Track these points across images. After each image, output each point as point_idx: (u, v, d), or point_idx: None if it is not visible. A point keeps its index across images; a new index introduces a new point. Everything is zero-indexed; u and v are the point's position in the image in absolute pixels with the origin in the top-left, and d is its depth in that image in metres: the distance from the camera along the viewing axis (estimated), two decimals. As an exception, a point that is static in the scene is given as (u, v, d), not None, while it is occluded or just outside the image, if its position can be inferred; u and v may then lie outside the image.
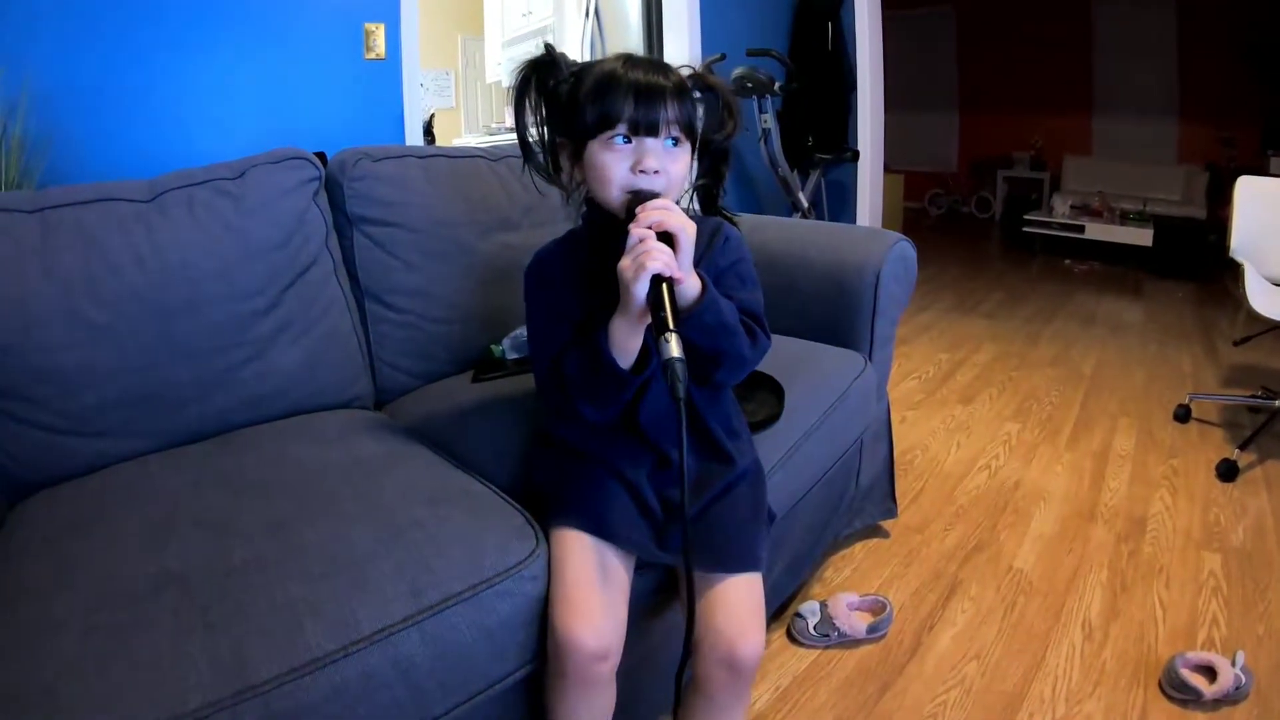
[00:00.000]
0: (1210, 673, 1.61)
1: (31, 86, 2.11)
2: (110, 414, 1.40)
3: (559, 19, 5.48)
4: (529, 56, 1.21)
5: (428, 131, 4.45)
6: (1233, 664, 1.61)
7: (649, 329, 1.05)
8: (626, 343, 1.09)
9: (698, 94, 1.20)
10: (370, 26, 2.78)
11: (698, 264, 1.14)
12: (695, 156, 1.24)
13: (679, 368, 0.97)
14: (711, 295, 1.11)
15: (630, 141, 1.12)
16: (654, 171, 1.11)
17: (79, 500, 1.26)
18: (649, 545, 1.17)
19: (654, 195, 1.10)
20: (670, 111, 1.12)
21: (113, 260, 1.40)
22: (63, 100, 2.23)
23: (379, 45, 2.81)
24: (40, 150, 2.12)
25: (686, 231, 1.05)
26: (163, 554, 1.05)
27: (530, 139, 1.22)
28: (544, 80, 1.19)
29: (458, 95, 7.61)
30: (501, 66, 6.81)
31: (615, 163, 1.12)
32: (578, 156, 1.18)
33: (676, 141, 1.15)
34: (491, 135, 6.20)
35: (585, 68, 1.18)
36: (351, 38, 2.79)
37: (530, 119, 1.20)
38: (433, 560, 1.05)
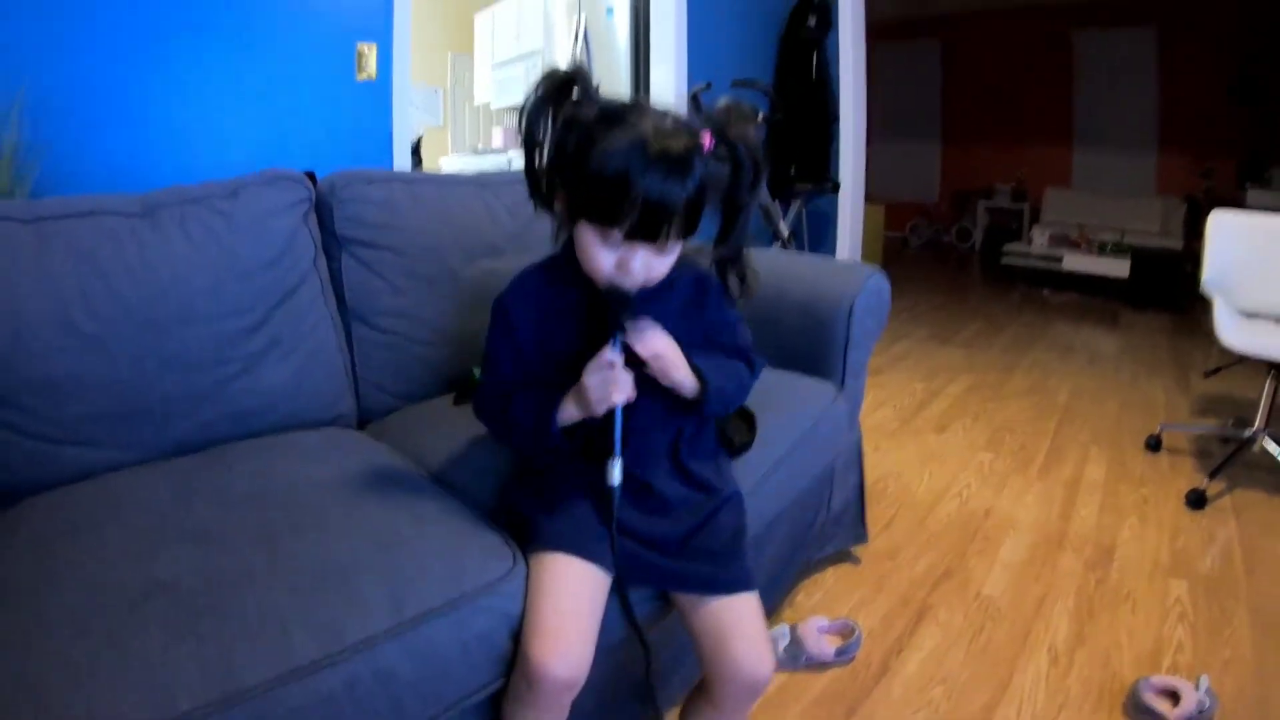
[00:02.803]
0: (1174, 697, 1.65)
1: (26, 95, 2.12)
2: (98, 425, 1.41)
3: (548, 43, 5.53)
4: (547, 76, 1.12)
5: (415, 153, 4.47)
6: (1196, 688, 1.65)
7: None
8: (570, 421, 1.18)
9: (722, 149, 1.13)
10: (363, 47, 2.82)
11: (684, 319, 1.22)
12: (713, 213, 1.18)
13: (616, 493, 1.15)
14: (711, 390, 1.20)
15: (619, 241, 1.09)
16: (636, 273, 1.10)
17: (66, 509, 1.27)
18: (631, 570, 1.20)
19: (625, 292, 1.10)
20: (673, 228, 1.08)
21: (106, 273, 1.42)
22: (57, 110, 2.24)
23: (370, 66, 2.84)
24: (33, 159, 2.14)
25: (669, 358, 1.16)
26: (152, 563, 1.07)
27: (535, 166, 1.15)
28: (561, 109, 1.11)
29: (446, 113, 7.65)
30: (491, 89, 6.85)
31: (601, 254, 1.10)
32: (570, 214, 1.15)
33: (672, 243, 1.12)
34: (478, 156, 6.23)
35: (603, 125, 1.08)
36: (344, 58, 2.82)
37: (538, 149, 1.14)
38: (414, 574, 1.08)
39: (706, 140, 1.11)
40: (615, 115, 1.09)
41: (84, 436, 1.41)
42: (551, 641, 1.06)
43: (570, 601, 1.12)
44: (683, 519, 1.24)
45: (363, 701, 0.96)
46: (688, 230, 1.12)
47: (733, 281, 1.28)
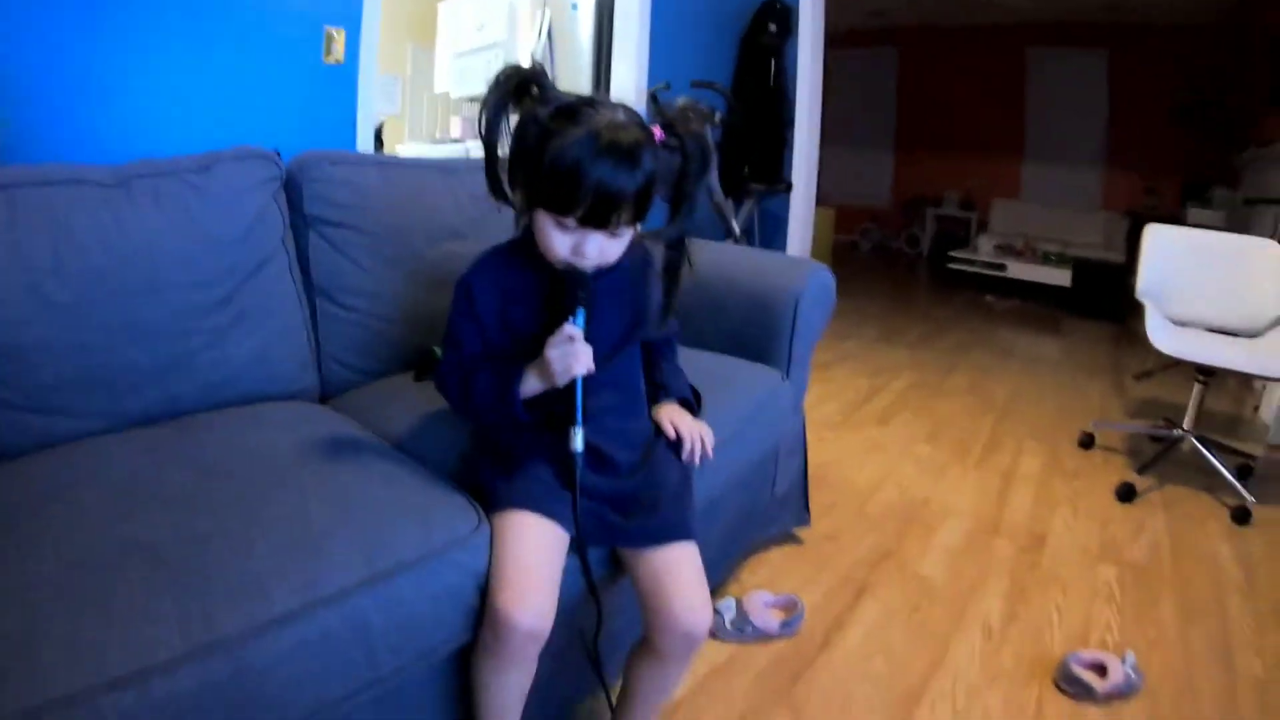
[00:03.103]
0: (1102, 670, 1.74)
1: None
2: (66, 392, 1.41)
3: (511, 35, 5.57)
4: (506, 73, 1.19)
5: (378, 138, 4.49)
6: (1123, 662, 1.75)
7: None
8: (533, 392, 1.25)
9: (673, 141, 1.22)
10: (331, 31, 2.83)
11: (628, 294, 1.34)
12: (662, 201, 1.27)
13: (579, 459, 1.23)
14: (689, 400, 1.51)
15: (573, 227, 1.17)
16: (590, 257, 1.18)
17: (35, 475, 1.27)
18: (588, 526, 1.27)
19: (583, 276, 1.19)
20: (624, 214, 1.16)
21: (78, 240, 1.42)
22: (18, 83, 2.24)
23: (338, 50, 2.85)
24: None
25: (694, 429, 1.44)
26: (128, 524, 1.08)
27: (494, 159, 1.23)
28: (521, 100, 1.19)
29: (404, 102, 7.65)
30: (450, 78, 6.87)
31: (558, 239, 1.18)
32: (528, 202, 1.22)
33: (623, 228, 1.20)
34: (435, 145, 6.24)
35: (558, 120, 1.16)
36: (312, 41, 2.83)
37: (497, 142, 1.21)
38: (385, 532, 1.13)
39: (657, 133, 1.20)
40: (570, 111, 1.16)
41: (50, 404, 1.40)
42: (517, 592, 1.12)
43: (533, 555, 1.18)
44: (631, 477, 1.32)
45: (337, 651, 1.01)
46: (637, 216, 1.20)
47: (672, 261, 1.34)
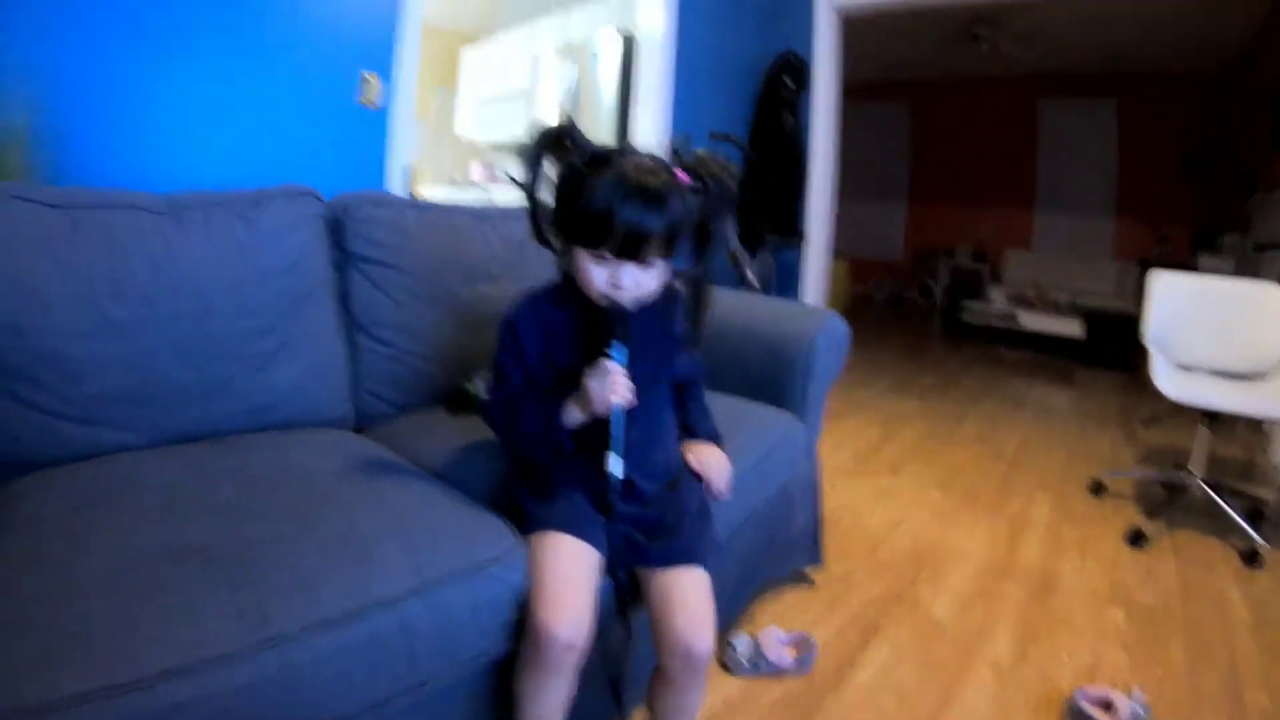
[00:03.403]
0: (1109, 706, 1.77)
1: (41, 87, 2.22)
2: (111, 405, 1.48)
3: (535, 84, 5.68)
4: (544, 130, 1.34)
5: (408, 180, 4.60)
6: (1130, 698, 1.78)
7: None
8: (575, 423, 1.33)
9: (697, 184, 1.36)
10: (367, 75, 2.94)
11: (663, 329, 1.44)
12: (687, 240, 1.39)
13: (616, 482, 1.32)
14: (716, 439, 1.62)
15: (609, 259, 1.28)
16: (627, 288, 1.30)
17: (81, 483, 1.32)
18: (617, 549, 1.36)
19: (622, 313, 1.30)
20: (652, 247, 1.27)
21: (133, 262, 1.51)
22: (72, 104, 2.32)
23: (374, 94, 2.96)
24: (43, 148, 2.23)
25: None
26: (179, 530, 1.14)
27: (535, 206, 1.36)
28: (558, 153, 1.33)
29: (427, 145, 7.77)
30: (473, 123, 6.98)
31: (596, 273, 1.29)
32: (567, 242, 1.34)
33: (655, 261, 1.31)
34: (456, 188, 6.33)
35: (591, 167, 1.29)
36: (348, 84, 2.94)
37: (536, 191, 1.35)
38: (430, 544, 1.20)
39: (682, 177, 1.34)
40: (602, 158, 1.31)
41: (95, 416, 1.47)
42: (556, 605, 1.20)
43: (570, 571, 1.25)
44: (655, 505, 1.40)
45: (384, 653, 1.07)
46: (668, 251, 1.32)
47: (697, 296, 1.46)
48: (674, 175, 1.32)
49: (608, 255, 1.28)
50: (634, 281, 1.30)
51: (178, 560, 1.05)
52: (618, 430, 1.30)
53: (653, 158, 1.33)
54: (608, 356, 1.28)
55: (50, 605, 0.95)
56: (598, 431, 1.31)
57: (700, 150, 1.43)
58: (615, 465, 1.31)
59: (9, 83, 2.17)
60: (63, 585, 0.99)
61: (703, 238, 1.40)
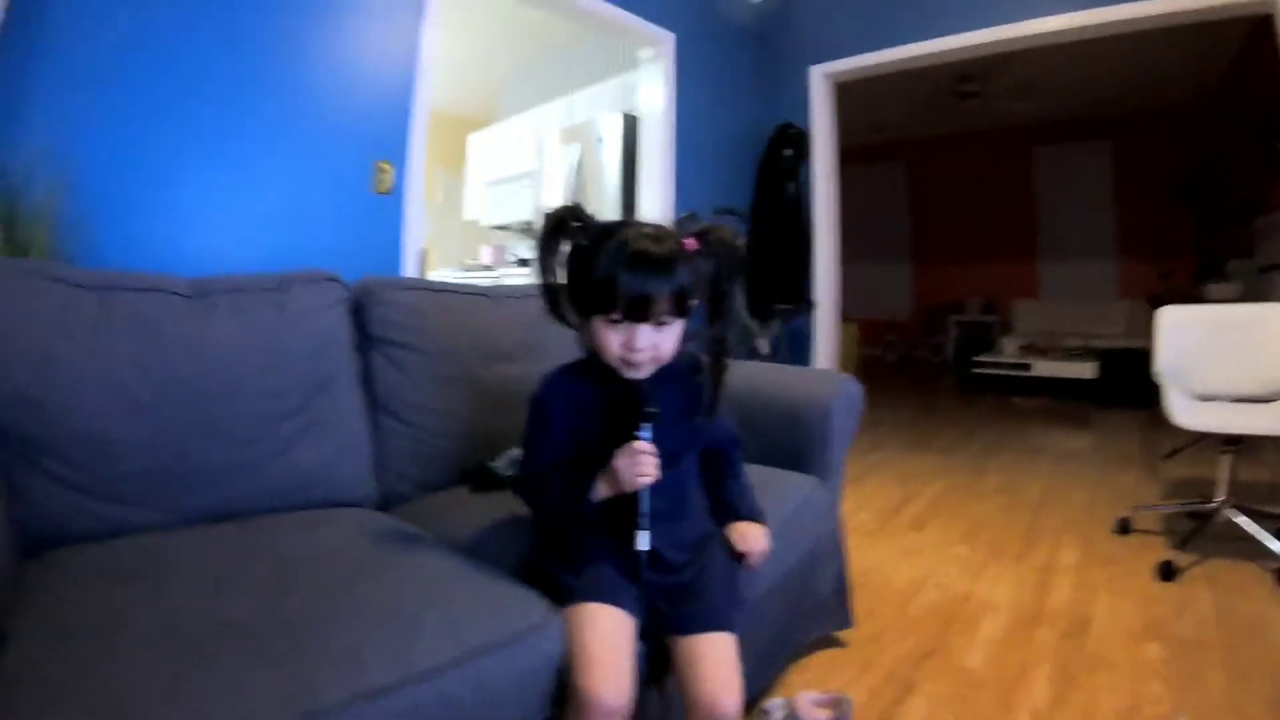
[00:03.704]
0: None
1: (72, 170, 2.32)
2: (139, 484, 1.51)
3: (541, 165, 5.80)
4: (552, 214, 1.39)
5: (422, 262, 4.73)
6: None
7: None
8: (603, 497, 1.37)
9: (704, 250, 1.40)
10: (381, 164, 3.04)
11: (688, 399, 1.46)
12: (702, 304, 1.43)
13: (645, 557, 1.35)
14: (758, 519, 1.63)
15: (622, 323, 1.33)
16: (642, 350, 1.34)
17: (114, 558, 1.34)
18: (646, 616, 1.38)
19: (648, 394, 1.36)
20: (660, 304, 1.32)
21: (163, 345, 1.56)
22: (97, 186, 2.42)
23: (387, 181, 3.05)
24: (72, 230, 2.31)
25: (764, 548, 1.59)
26: (218, 606, 1.15)
27: (550, 287, 1.41)
28: (563, 238, 1.39)
29: (435, 228, 7.89)
30: (481, 205, 7.10)
31: (611, 338, 1.35)
32: (583, 316, 1.39)
33: (668, 321, 1.36)
34: (467, 271, 6.42)
35: (600, 238, 1.35)
36: (363, 172, 3.05)
37: (549, 273, 1.40)
38: (469, 615, 1.22)
39: (690, 243, 1.39)
40: (608, 231, 1.36)
41: (125, 495, 1.50)
42: (601, 672, 1.22)
43: (611, 639, 1.27)
44: (681, 573, 1.42)
45: None
46: (681, 312, 1.37)
47: (715, 359, 1.48)
48: (679, 241, 1.37)
49: (620, 319, 1.32)
50: (649, 343, 1.34)
51: (218, 634, 1.06)
52: (645, 507, 1.34)
53: (657, 226, 1.39)
54: (635, 437, 1.33)
55: (90, 678, 0.95)
56: (625, 503, 1.35)
57: (705, 224, 1.48)
58: (643, 542, 1.34)
59: (38, 164, 2.25)
60: (102, 657, 1.00)
61: (716, 301, 1.44)
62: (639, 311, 1.32)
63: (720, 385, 1.48)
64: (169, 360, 1.56)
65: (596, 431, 1.41)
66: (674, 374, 1.43)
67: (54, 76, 2.36)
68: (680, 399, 1.45)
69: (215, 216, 2.73)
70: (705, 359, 1.48)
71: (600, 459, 1.36)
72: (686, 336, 1.43)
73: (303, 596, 1.20)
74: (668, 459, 1.36)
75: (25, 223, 2.19)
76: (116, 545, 1.41)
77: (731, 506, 1.62)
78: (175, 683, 0.95)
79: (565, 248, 1.39)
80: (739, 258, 1.44)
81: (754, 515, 1.63)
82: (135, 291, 1.59)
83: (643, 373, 1.38)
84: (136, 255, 2.49)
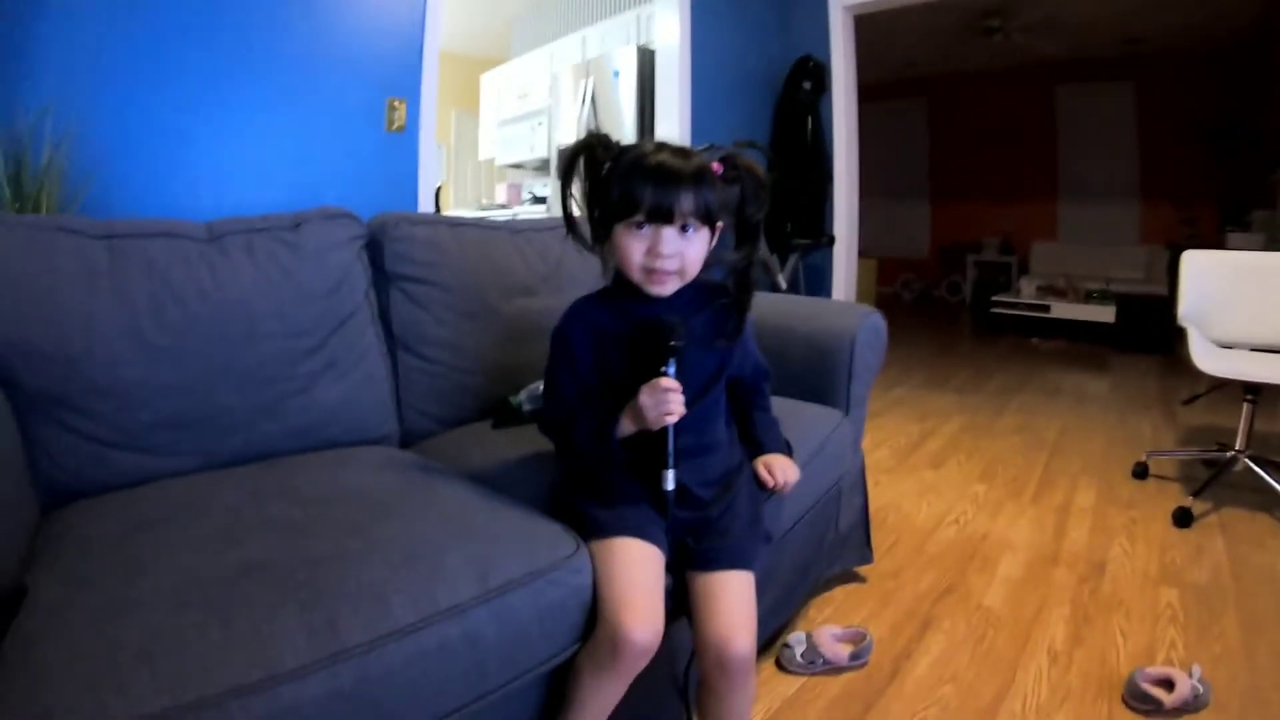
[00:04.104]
0: (1169, 685, 1.76)
1: (75, 125, 2.28)
2: (161, 432, 1.50)
3: (555, 102, 5.73)
4: (577, 140, 1.38)
5: (436, 202, 4.70)
6: (1190, 675, 1.78)
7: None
8: (628, 433, 1.34)
9: (733, 172, 1.37)
10: (394, 101, 3.00)
11: (715, 330, 1.43)
12: (728, 231, 1.41)
13: (671, 495, 1.31)
14: (785, 453, 1.61)
15: (646, 227, 1.31)
16: (667, 256, 1.31)
17: (135, 507, 1.33)
18: (672, 551, 1.36)
19: (675, 328, 1.30)
20: (685, 204, 1.28)
21: (177, 290, 1.53)
22: (105, 139, 2.40)
23: (400, 119, 3.02)
24: (80, 183, 2.29)
25: (793, 479, 1.56)
26: (241, 549, 1.13)
27: (571, 213, 1.40)
28: (590, 161, 1.37)
29: (449, 170, 7.84)
30: (496, 145, 7.04)
31: (634, 246, 1.31)
32: (608, 234, 1.36)
33: (691, 227, 1.32)
34: (484, 211, 6.39)
35: (622, 152, 1.35)
36: (376, 109, 3.01)
37: (572, 197, 1.38)
38: (493, 552, 1.20)
39: (716, 167, 1.35)
40: (630, 148, 1.35)
41: (145, 443, 1.49)
42: (635, 610, 1.20)
43: (641, 576, 1.26)
44: (708, 509, 1.40)
45: (452, 663, 1.07)
46: (704, 215, 1.32)
47: (741, 284, 1.46)
48: (704, 160, 1.34)
49: (643, 222, 1.30)
50: (674, 249, 1.31)
51: (241, 578, 1.05)
52: (671, 445, 1.31)
53: (682, 146, 1.36)
54: (661, 373, 1.29)
55: (113, 625, 0.94)
56: (654, 438, 1.32)
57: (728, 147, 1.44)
58: (670, 481, 1.31)
59: (43, 119, 2.22)
60: (124, 605, 0.99)
61: (742, 226, 1.41)
62: (663, 213, 1.28)
63: (746, 310, 1.46)
64: (184, 305, 1.54)
65: (621, 364, 1.37)
66: (699, 301, 1.41)
67: (57, 28, 2.32)
68: (706, 327, 1.42)
69: (228, 162, 2.69)
70: (730, 284, 1.45)
71: (626, 393, 1.34)
72: (709, 264, 1.40)
73: (326, 537, 1.19)
74: (694, 392, 1.34)
75: (32, 178, 2.17)
76: (137, 494, 1.41)
77: (759, 439, 1.60)
78: (197, 629, 0.94)
79: (586, 176, 1.38)
80: (764, 185, 1.40)
81: (781, 448, 1.62)
82: (147, 238, 1.57)
83: (668, 289, 1.35)
84: (149, 206, 2.46)
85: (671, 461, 1.31)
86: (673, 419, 1.28)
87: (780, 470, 1.55)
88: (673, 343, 1.29)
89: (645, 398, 1.29)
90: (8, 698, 0.83)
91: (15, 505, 1.25)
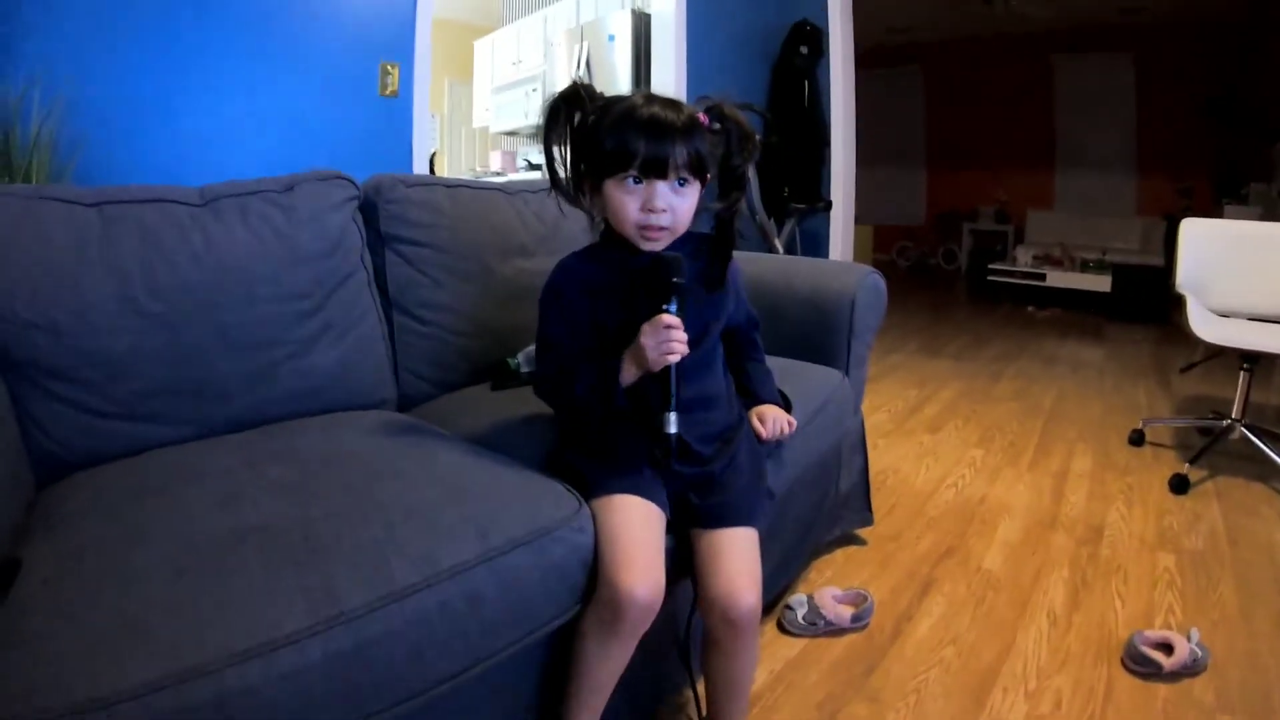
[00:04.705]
0: (1168, 648, 1.77)
1: (65, 96, 2.25)
2: (155, 400, 1.47)
3: (549, 68, 5.68)
4: (559, 92, 1.35)
5: (430, 168, 4.68)
6: (1188, 640, 1.78)
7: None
8: (630, 380, 1.30)
9: (716, 125, 1.34)
10: (387, 65, 2.96)
11: (708, 280, 1.41)
12: (713, 181, 1.38)
13: (674, 441, 1.26)
14: (779, 403, 1.60)
15: (640, 183, 1.29)
16: (662, 210, 1.28)
17: (131, 476, 1.30)
18: (674, 510, 1.35)
19: (676, 264, 1.28)
20: (678, 156, 1.26)
21: (169, 255, 1.50)
22: (95, 108, 2.36)
23: (394, 83, 2.98)
24: (70, 153, 2.26)
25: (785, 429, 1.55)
26: (238, 513, 1.11)
27: (556, 167, 1.36)
28: (572, 113, 1.34)
29: (443, 138, 7.79)
30: (490, 112, 6.98)
31: (628, 202, 1.29)
32: (597, 189, 1.34)
33: (684, 181, 1.30)
34: (476, 179, 6.35)
35: (608, 103, 1.32)
36: (369, 74, 2.97)
37: (557, 149, 1.34)
38: (496, 512, 1.19)
39: (703, 118, 1.32)
40: (619, 99, 1.32)
41: (139, 412, 1.46)
42: (635, 568, 1.18)
43: (642, 533, 1.24)
44: (709, 464, 1.38)
45: (454, 624, 1.05)
46: (695, 168, 1.30)
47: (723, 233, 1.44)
48: (693, 111, 1.32)
49: (637, 176, 1.27)
50: (668, 203, 1.29)
51: (239, 543, 1.03)
52: (674, 386, 1.27)
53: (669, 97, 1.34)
54: (663, 310, 1.26)
55: (109, 594, 0.93)
56: (652, 390, 1.29)
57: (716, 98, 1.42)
58: (672, 424, 1.27)
59: (31, 88, 2.19)
60: (121, 573, 0.97)
61: (727, 176, 1.39)
62: (657, 167, 1.26)
63: (729, 256, 1.44)
64: (177, 270, 1.50)
65: (615, 319, 1.34)
66: (689, 251, 1.37)
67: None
68: (700, 277, 1.40)
69: (219, 130, 2.66)
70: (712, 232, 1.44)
71: (620, 349, 1.30)
72: (697, 213, 1.38)
73: (324, 500, 1.17)
74: (692, 342, 1.30)
75: (22, 149, 2.14)
76: (134, 463, 1.38)
77: (753, 390, 1.59)
78: (196, 595, 0.93)
79: (571, 129, 1.34)
80: (749, 135, 1.38)
81: (776, 398, 1.61)
82: (139, 204, 1.53)
83: (660, 244, 1.33)
84: (140, 175, 2.43)
85: (674, 404, 1.27)
86: (675, 358, 1.24)
87: (772, 420, 1.54)
88: (675, 279, 1.27)
89: (646, 337, 1.25)
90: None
91: (8, 479, 1.23)
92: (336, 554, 1.03)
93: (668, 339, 1.23)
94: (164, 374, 1.48)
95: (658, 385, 1.28)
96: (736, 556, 1.30)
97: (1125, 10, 8.09)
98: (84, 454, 1.41)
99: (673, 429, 1.26)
